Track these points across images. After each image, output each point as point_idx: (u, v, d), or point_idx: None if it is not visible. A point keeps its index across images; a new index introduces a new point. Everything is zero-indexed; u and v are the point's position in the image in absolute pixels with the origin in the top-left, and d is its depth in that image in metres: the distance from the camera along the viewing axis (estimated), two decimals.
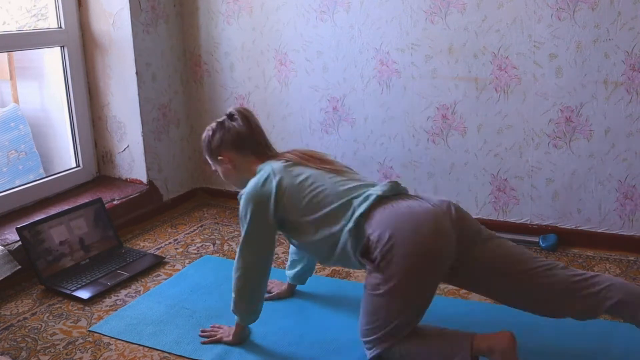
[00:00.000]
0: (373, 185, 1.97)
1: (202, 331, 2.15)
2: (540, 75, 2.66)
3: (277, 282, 2.46)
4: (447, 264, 1.85)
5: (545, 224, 2.82)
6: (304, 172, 1.98)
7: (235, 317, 2.06)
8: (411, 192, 3.01)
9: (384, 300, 1.80)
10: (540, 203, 2.80)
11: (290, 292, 2.42)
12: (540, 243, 2.74)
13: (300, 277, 2.38)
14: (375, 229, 1.82)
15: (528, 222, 2.85)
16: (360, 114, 3.05)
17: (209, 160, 2.16)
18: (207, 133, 2.11)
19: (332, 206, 1.90)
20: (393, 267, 1.77)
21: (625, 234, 2.69)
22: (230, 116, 2.09)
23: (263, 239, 1.99)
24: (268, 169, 1.98)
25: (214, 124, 2.11)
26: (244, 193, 1.98)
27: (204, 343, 2.09)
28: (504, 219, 2.89)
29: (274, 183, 1.94)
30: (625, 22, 2.47)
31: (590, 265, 2.59)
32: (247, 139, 2.06)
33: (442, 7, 2.75)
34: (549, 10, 2.58)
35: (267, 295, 2.40)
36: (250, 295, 2.02)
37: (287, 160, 2.02)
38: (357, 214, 1.85)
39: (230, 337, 2.08)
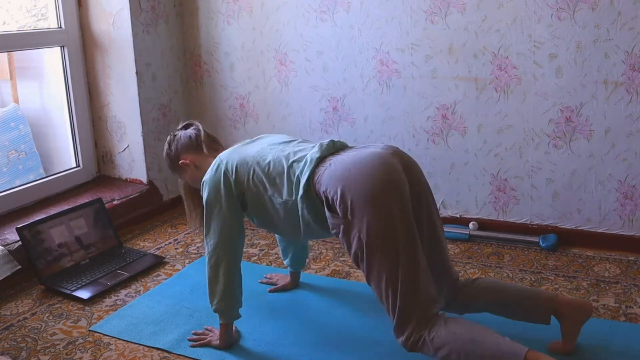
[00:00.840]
0: (313, 147, 1.96)
1: (194, 334, 2.14)
2: (540, 75, 2.66)
3: (280, 275, 2.49)
4: (406, 192, 1.77)
5: (545, 224, 2.82)
6: (249, 149, 2.06)
7: (213, 308, 2.03)
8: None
9: (371, 256, 1.72)
10: (540, 203, 2.81)
11: (295, 282, 2.44)
12: (540, 243, 2.74)
13: (298, 262, 2.41)
14: (326, 186, 1.79)
15: (528, 222, 2.85)
16: (360, 114, 3.05)
17: (175, 173, 2.30)
18: (165, 147, 2.29)
19: (277, 175, 1.92)
20: (358, 217, 1.72)
21: (625, 234, 2.69)
22: (181, 128, 2.30)
23: (225, 221, 2.00)
24: (217, 159, 2.07)
25: (167, 138, 2.30)
26: (202, 183, 2.06)
27: (192, 347, 2.07)
28: (504, 219, 2.89)
29: (222, 166, 2.02)
30: (625, 22, 2.47)
31: (590, 265, 2.59)
32: (197, 139, 2.21)
33: (442, 7, 2.75)
34: (549, 10, 2.58)
35: (272, 287, 2.45)
36: (224, 286, 1.99)
37: (236, 145, 2.14)
38: (302, 181, 1.85)
39: (219, 342, 2.05)
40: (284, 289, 2.42)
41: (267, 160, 1.96)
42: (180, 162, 2.20)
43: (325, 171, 1.82)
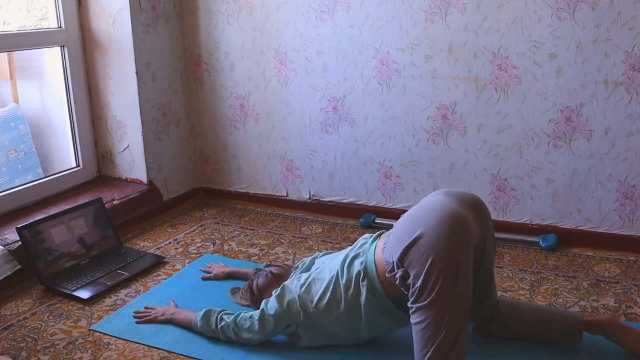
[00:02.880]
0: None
1: (136, 312, 2.26)
2: (540, 75, 2.66)
3: (220, 264, 2.62)
4: (473, 239, 1.77)
5: (545, 223, 2.82)
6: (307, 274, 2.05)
7: (196, 322, 2.11)
8: (411, 192, 3.04)
9: (429, 309, 1.69)
10: (540, 203, 2.81)
11: (228, 276, 2.55)
12: (540, 243, 2.74)
13: None
14: (391, 255, 1.77)
15: (528, 222, 2.85)
16: (360, 114, 3.05)
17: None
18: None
19: (336, 273, 1.93)
20: (414, 268, 1.70)
21: (625, 234, 2.69)
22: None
23: (269, 333, 2.04)
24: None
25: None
26: (270, 308, 2.01)
27: (138, 323, 2.21)
28: (504, 218, 2.89)
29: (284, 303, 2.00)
30: (625, 22, 2.47)
31: (590, 265, 2.59)
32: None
33: (442, 7, 2.75)
34: (549, 10, 2.58)
35: (205, 275, 2.57)
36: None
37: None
38: (368, 259, 1.88)
39: (164, 317, 2.21)
40: (215, 277, 2.54)
41: (324, 270, 1.98)
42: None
43: (388, 241, 1.81)
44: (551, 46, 2.61)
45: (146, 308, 2.28)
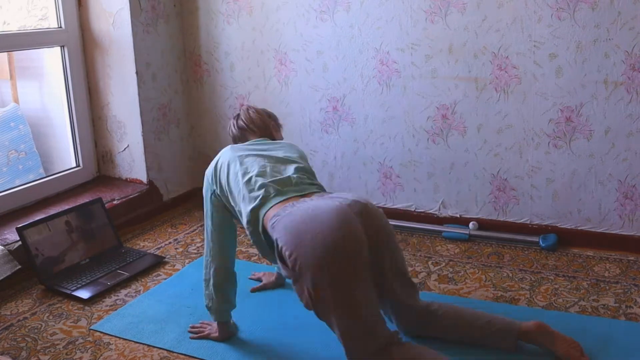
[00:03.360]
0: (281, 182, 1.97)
1: (192, 327, 2.19)
2: (540, 75, 2.66)
3: (267, 273, 2.54)
4: (360, 255, 1.76)
5: (545, 223, 2.82)
6: (245, 157, 2.07)
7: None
8: (411, 192, 3.04)
9: (320, 309, 1.76)
10: (540, 203, 2.81)
11: (279, 281, 2.48)
12: (540, 243, 2.74)
13: None
14: (278, 235, 1.78)
15: (528, 222, 2.85)
16: (360, 114, 3.05)
17: None
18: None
19: (247, 194, 1.94)
20: (305, 275, 1.72)
21: (625, 234, 2.69)
22: (236, 117, 2.39)
23: (214, 222, 2.09)
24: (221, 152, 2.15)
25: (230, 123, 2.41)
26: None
27: (192, 338, 2.13)
28: (504, 218, 2.89)
29: (214, 163, 2.11)
30: (625, 22, 2.47)
31: (590, 265, 2.59)
32: (240, 137, 2.33)
33: (442, 7, 2.75)
34: (549, 10, 2.58)
35: (256, 286, 2.49)
36: (213, 287, 2.08)
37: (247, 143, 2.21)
38: (260, 215, 1.89)
39: (217, 334, 2.12)
40: (264, 287, 2.46)
41: (249, 175, 1.98)
42: None
43: (281, 220, 1.80)
44: (551, 46, 2.61)
45: (202, 324, 2.20)
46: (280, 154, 2.09)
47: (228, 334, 2.12)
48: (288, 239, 1.74)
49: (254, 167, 1.99)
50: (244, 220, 1.94)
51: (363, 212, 1.82)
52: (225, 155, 2.09)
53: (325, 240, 1.69)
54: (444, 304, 2.05)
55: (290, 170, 2.01)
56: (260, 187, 1.92)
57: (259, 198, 1.89)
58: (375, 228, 1.85)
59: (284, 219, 1.79)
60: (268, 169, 1.99)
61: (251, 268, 2.66)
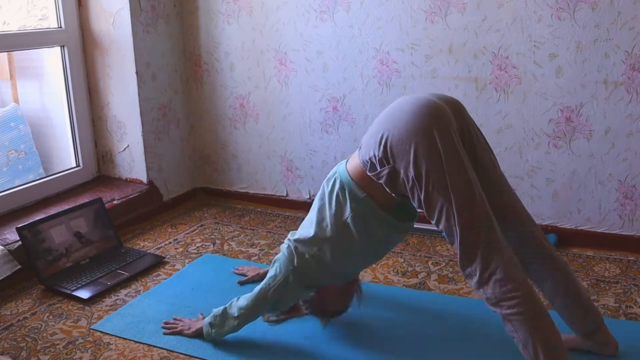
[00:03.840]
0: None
1: (165, 322, 2.21)
2: (540, 75, 2.66)
3: (252, 267, 2.57)
4: (451, 123, 1.74)
5: (545, 223, 2.82)
6: None
7: (206, 327, 2.09)
8: None
9: (423, 191, 1.69)
10: (540, 203, 2.80)
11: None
12: None
13: None
14: (366, 150, 1.78)
15: None
16: (360, 114, 3.05)
17: None
18: None
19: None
20: (399, 157, 1.70)
21: (625, 234, 2.69)
22: None
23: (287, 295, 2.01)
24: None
25: None
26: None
27: (165, 334, 2.15)
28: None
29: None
30: (625, 22, 2.47)
31: (590, 265, 2.59)
32: None
33: (442, 7, 2.75)
34: (549, 10, 2.58)
35: (242, 279, 2.52)
36: (240, 325, 2.05)
37: None
38: (340, 170, 1.90)
39: (190, 331, 2.13)
40: (252, 280, 2.48)
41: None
42: None
43: (362, 143, 1.82)
44: (551, 46, 2.61)
45: (175, 319, 2.22)
46: None
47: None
48: (373, 137, 1.74)
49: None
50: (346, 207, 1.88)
51: (442, 99, 1.82)
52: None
53: (417, 111, 1.70)
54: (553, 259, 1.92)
55: None
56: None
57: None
58: (459, 114, 1.84)
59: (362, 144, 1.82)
60: None
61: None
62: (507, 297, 1.66)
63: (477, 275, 1.68)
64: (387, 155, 1.73)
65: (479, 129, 1.89)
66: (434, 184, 1.68)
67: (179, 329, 2.16)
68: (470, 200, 1.68)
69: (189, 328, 2.14)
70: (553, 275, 1.89)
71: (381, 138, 1.73)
